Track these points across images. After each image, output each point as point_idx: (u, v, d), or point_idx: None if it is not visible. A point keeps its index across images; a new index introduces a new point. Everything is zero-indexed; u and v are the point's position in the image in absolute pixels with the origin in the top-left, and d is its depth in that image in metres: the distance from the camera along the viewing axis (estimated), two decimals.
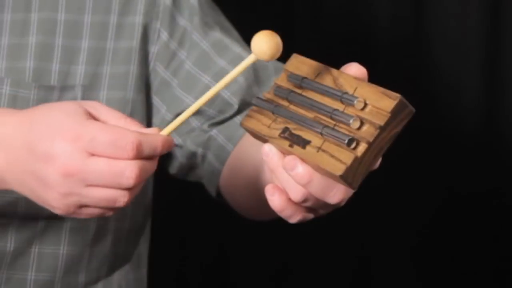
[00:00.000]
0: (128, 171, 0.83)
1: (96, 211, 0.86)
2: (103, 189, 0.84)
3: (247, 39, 1.11)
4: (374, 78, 0.82)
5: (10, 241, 1.10)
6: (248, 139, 1.01)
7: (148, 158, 0.84)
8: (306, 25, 1.72)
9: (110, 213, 0.87)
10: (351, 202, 0.93)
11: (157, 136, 0.85)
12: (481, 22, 1.69)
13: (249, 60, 0.83)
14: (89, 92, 1.10)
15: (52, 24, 1.10)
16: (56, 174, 0.83)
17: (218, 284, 1.78)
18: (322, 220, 1.18)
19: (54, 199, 0.85)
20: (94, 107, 0.86)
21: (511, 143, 1.73)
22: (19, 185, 0.87)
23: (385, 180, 1.63)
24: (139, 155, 0.83)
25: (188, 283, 1.77)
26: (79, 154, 0.82)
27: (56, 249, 1.12)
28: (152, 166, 0.85)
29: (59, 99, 1.09)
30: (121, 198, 0.84)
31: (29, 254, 1.11)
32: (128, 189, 0.84)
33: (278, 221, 1.02)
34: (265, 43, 0.82)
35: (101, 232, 1.14)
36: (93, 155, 0.83)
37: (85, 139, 0.82)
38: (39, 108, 0.86)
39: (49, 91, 1.08)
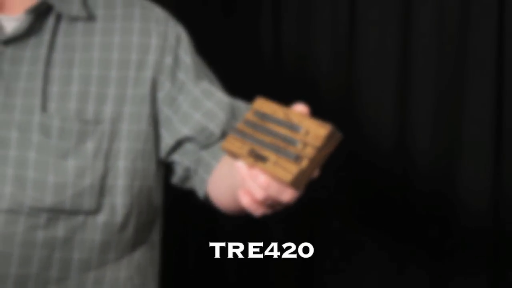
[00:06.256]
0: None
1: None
2: None
3: (226, 87, 1.25)
4: (316, 115, 0.90)
5: (60, 230, 1.18)
6: (227, 158, 1.15)
7: None
8: (271, 82, 1.84)
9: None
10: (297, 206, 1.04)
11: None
12: (394, 78, 1.82)
13: None
14: (115, 124, 1.19)
15: (88, 77, 1.19)
16: None
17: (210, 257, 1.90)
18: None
19: None
20: None
21: (418, 166, 1.80)
22: None
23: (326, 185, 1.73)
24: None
25: (188, 252, 1.91)
26: None
27: (93, 236, 1.19)
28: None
29: (94, 130, 1.17)
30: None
31: (74, 240, 1.19)
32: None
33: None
34: None
35: (126, 224, 1.21)
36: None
37: None
38: None
39: (87, 124, 1.17)
